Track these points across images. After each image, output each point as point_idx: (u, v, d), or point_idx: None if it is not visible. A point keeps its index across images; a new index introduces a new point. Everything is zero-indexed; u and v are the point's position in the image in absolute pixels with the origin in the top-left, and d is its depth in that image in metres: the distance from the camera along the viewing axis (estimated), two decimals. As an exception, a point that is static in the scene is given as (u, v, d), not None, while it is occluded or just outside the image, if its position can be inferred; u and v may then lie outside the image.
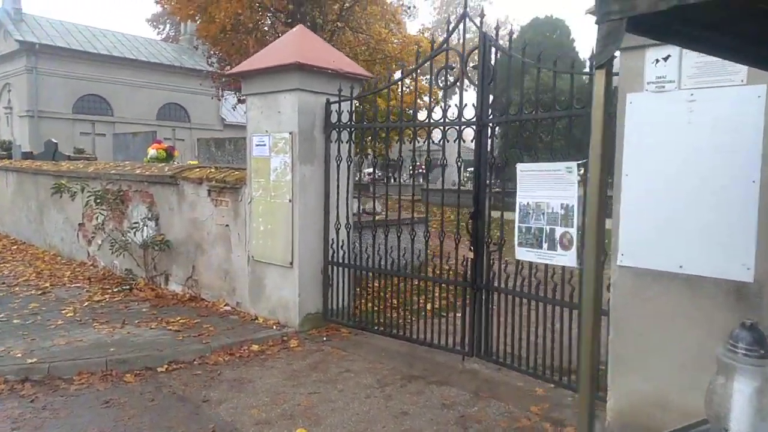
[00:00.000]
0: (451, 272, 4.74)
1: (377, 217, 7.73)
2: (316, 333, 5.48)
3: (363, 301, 5.56)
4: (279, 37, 15.08)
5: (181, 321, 5.69)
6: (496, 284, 4.44)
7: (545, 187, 3.98)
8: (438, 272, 4.89)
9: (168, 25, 36.49)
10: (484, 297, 4.52)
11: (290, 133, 5.33)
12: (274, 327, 5.52)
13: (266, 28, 16.06)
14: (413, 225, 5.19)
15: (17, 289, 7.04)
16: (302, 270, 5.42)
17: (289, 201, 5.39)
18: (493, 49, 4.37)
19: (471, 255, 4.51)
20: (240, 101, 18.17)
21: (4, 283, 7.33)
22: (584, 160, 3.79)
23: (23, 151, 13.67)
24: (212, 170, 6.57)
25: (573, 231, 3.85)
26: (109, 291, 6.96)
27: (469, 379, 4.39)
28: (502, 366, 4.45)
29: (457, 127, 4.55)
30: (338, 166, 5.39)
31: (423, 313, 5.19)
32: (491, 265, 4.45)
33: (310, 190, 5.43)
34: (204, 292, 6.62)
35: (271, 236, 5.61)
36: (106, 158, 17.01)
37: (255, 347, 5.05)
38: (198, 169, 6.83)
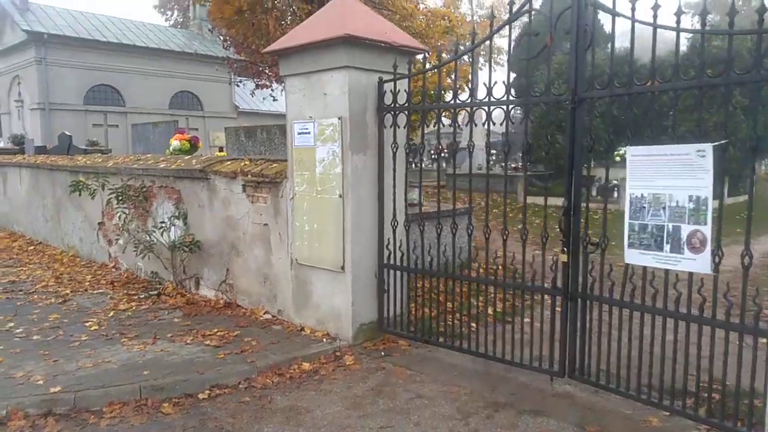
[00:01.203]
0: (536, 277, 4.12)
1: (423, 209, 7.13)
2: (371, 346, 4.90)
3: (415, 305, 4.98)
4: (298, 17, 14.51)
5: (219, 333, 5.16)
6: (596, 292, 3.81)
7: (667, 175, 3.34)
8: (518, 276, 4.27)
9: (176, 11, 36.05)
10: (580, 307, 3.89)
11: (339, 119, 4.73)
12: (324, 340, 4.96)
13: (284, 7, 15.42)
14: (469, 217, 4.57)
15: (36, 296, 6.58)
16: (355, 275, 4.84)
17: (339, 196, 4.80)
18: (591, 8, 3.70)
19: (563, 257, 3.88)
20: (259, 87, 17.59)
21: (21, 290, 6.88)
22: (722, 141, 3.13)
23: (36, 145, 13.26)
24: (246, 162, 6.00)
25: (706, 229, 3.21)
26: (136, 297, 6.47)
27: (566, 406, 3.79)
28: (601, 389, 3.84)
29: (544, 104, 3.90)
30: (394, 154, 4.78)
31: (484, 319, 4.58)
32: (589, 269, 3.81)
33: (363, 184, 4.83)
34: (240, 298, 6.09)
35: (318, 237, 5.04)
36: (120, 150, 16.63)
37: (306, 365, 4.49)
38: (230, 162, 6.27)
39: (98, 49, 22.09)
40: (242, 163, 5.99)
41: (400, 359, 4.64)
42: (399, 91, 4.70)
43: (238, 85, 22.28)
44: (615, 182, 15.40)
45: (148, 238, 6.59)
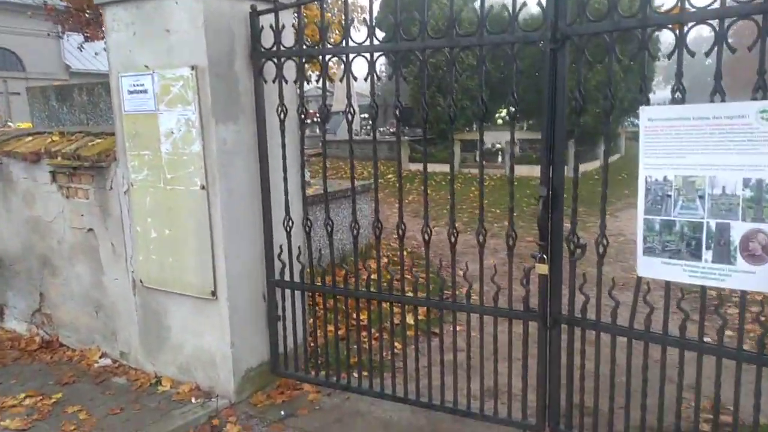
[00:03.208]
0: (499, 296, 2.98)
1: (312, 192, 5.83)
2: (265, 400, 3.56)
3: (320, 331, 3.71)
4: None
5: (27, 401, 3.55)
6: (589, 316, 2.77)
7: (707, 148, 2.31)
8: (476, 296, 3.11)
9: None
10: (566, 337, 2.85)
11: (192, 69, 3.21)
12: (194, 399, 3.53)
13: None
14: (376, 198, 3.33)
15: None
16: (234, 302, 3.43)
17: (202, 187, 3.32)
18: None
19: (542, 268, 2.78)
20: (88, 39, 14.70)
21: None
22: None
23: None
24: (55, 138, 4.24)
25: (774, 229, 2.23)
26: None
27: (559, 482, 2.75)
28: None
29: (510, 47, 2.71)
30: (282, 122, 3.37)
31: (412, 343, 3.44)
32: (580, 285, 2.75)
33: (236, 168, 3.38)
34: (64, 335, 4.41)
35: (172, 248, 3.53)
36: None
37: (166, 450, 3.06)
38: (31, 138, 4.45)
39: None
40: (48, 139, 4.21)
41: (308, 420, 3.35)
42: (284, 26, 3.26)
43: (62, 38, 18.91)
44: (499, 145, 15.08)
45: None
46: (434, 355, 3.18)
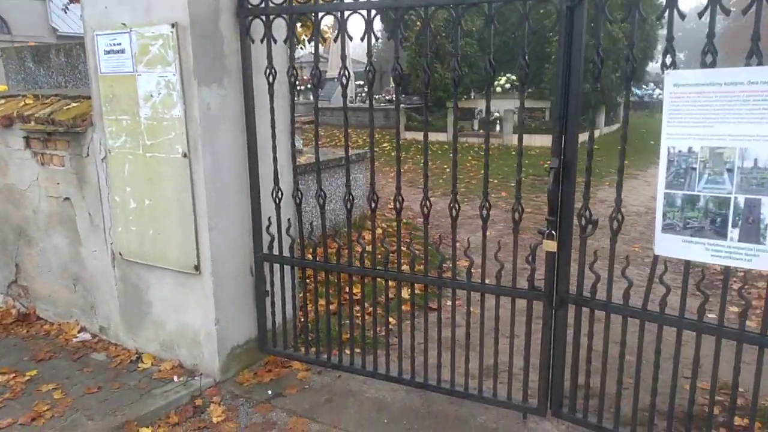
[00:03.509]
0: (503, 273, 2.80)
1: (304, 161, 5.64)
2: (252, 379, 3.40)
3: (310, 305, 3.54)
4: None
5: (1, 376, 3.35)
6: (599, 296, 2.60)
7: (737, 116, 2.12)
8: (476, 272, 2.92)
9: None
10: (573, 317, 2.68)
11: (173, 26, 2.94)
12: (176, 377, 3.35)
13: None
14: (372, 167, 3.15)
15: None
16: (218, 277, 3.23)
17: (184, 155, 3.09)
18: None
19: (550, 245, 2.60)
20: (72, 0, 14.14)
21: None
22: None
23: None
24: (29, 101, 3.97)
25: (808, 206, 2.06)
26: None
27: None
28: (593, 430, 2.72)
29: (522, 4, 2.49)
30: (270, 86, 3.13)
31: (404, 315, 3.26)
32: (591, 262, 2.58)
33: (222, 134, 3.15)
34: (41, 308, 4.21)
35: (152, 219, 3.31)
36: None
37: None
38: (3, 101, 4.17)
39: None
40: (22, 102, 3.94)
41: (297, 400, 3.19)
42: (273, -20, 3.00)
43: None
44: (497, 114, 14.86)
45: None
46: (431, 332, 3.01)
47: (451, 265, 3.04)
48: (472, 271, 2.88)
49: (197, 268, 3.20)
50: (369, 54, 2.78)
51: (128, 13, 3.12)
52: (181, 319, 3.39)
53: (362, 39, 2.78)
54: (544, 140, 12.07)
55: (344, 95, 2.97)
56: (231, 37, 3.13)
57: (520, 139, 2.66)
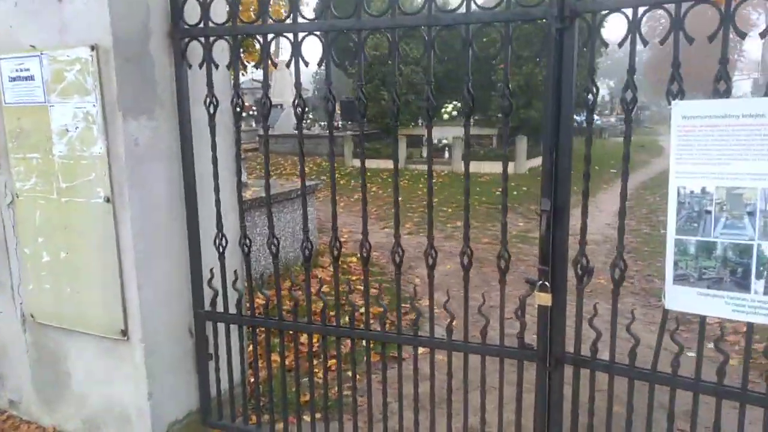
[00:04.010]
0: (488, 327, 2.43)
1: (249, 196, 5.22)
2: (193, 461, 2.87)
3: (261, 361, 3.07)
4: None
5: None
6: (600, 356, 2.27)
7: (758, 152, 1.84)
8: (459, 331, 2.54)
9: None
10: (571, 379, 2.34)
11: (92, 49, 2.47)
12: (101, 464, 2.79)
13: None
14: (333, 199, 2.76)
15: None
16: (151, 341, 2.72)
17: (106, 200, 2.59)
18: None
19: (544, 298, 2.25)
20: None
21: None
22: None
23: None
24: None
25: None
26: None
27: None
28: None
29: (504, 26, 2.17)
30: (212, 117, 2.68)
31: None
32: (590, 317, 2.25)
33: (152, 173, 2.67)
34: (-64, 380, 3.53)
35: (69, 274, 2.77)
36: None
37: None
38: None
39: None
40: None
41: (248, 485, 2.69)
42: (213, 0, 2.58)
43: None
44: (445, 141, 14.82)
45: None
46: (406, 388, 2.60)
47: (428, 321, 2.64)
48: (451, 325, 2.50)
49: (125, 332, 2.68)
50: (328, 81, 2.39)
51: (38, 33, 2.63)
52: (108, 392, 2.85)
53: (319, 65, 2.40)
54: (493, 167, 12.01)
55: (299, 127, 2.57)
56: (164, 61, 2.68)
57: (504, 176, 2.32)
